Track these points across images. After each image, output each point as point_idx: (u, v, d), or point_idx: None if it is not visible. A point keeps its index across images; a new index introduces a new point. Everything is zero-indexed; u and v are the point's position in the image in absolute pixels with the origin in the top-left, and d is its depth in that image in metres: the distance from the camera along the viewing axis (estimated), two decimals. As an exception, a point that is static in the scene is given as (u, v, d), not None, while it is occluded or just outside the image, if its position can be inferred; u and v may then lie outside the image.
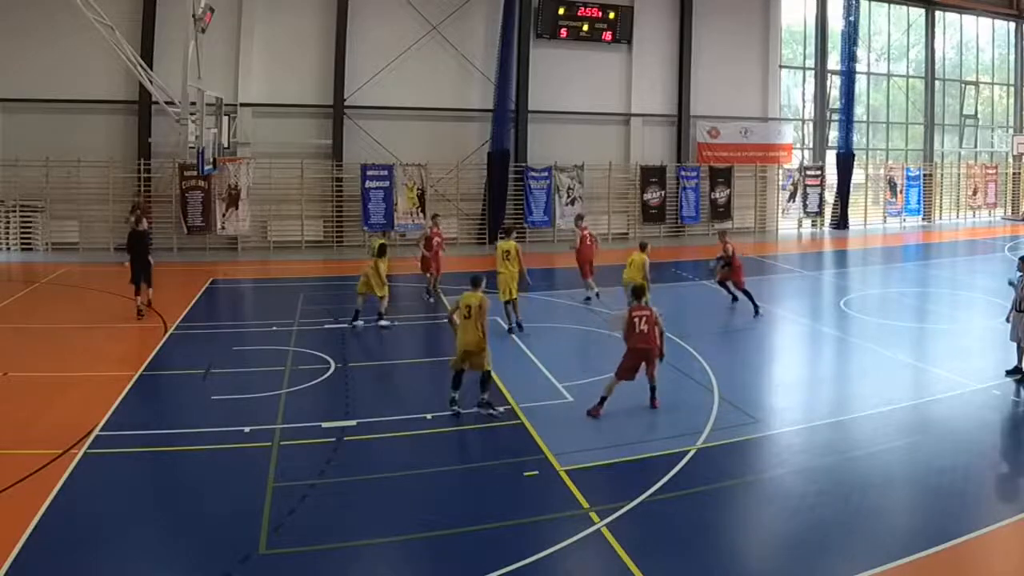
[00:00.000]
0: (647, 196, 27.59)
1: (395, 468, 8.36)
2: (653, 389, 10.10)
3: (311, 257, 23.01)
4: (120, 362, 12.03)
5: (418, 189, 24.68)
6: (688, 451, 8.71)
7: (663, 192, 27.72)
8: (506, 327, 13.90)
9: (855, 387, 11.54)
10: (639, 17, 27.25)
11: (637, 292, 10.27)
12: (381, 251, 14.27)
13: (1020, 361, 11.21)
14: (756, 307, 15.38)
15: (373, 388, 11.22)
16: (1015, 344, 11.24)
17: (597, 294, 16.41)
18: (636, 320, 9.92)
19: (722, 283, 16.10)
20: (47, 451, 8.41)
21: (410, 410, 9.96)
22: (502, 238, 15.09)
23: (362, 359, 12.44)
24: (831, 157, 31.03)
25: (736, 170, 28.77)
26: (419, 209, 24.47)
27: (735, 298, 15.96)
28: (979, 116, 35.01)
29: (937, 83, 33.85)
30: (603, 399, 9.89)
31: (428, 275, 16.82)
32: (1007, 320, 11.38)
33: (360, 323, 14.21)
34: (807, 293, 19.49)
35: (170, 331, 13.89)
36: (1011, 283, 11.37)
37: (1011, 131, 35.77)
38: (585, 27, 26.65)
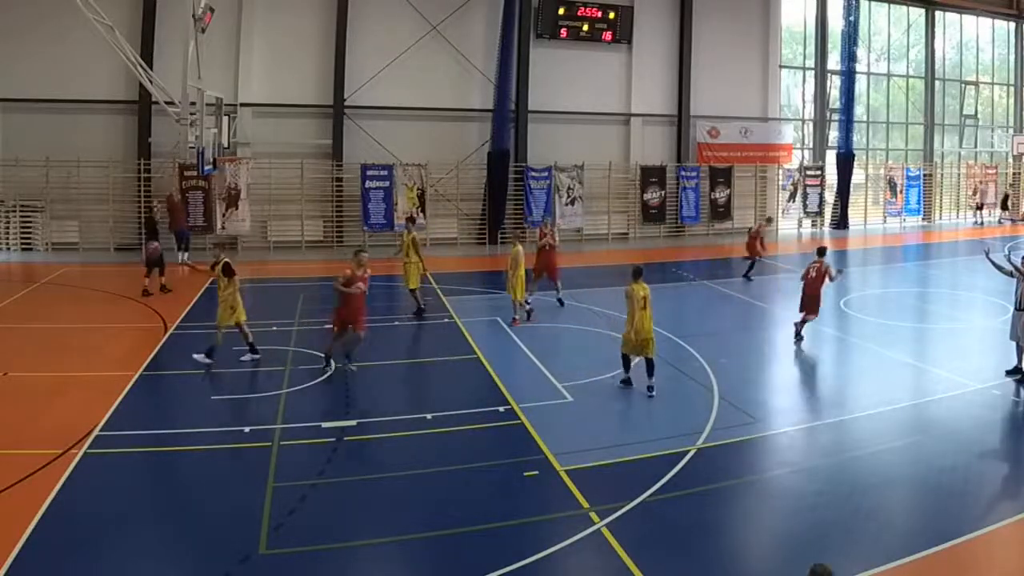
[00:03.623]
0: (647, 196, 27.58)
1: (395, 468, 8.36)
2: (804, 323, 13.46)
3: (311, 257, 22.98)
4: (120, 362, 12.02)
5: (418, 189, 24.68)
6: (688, 451, 8.71)
7: (663, 192, 27.71)
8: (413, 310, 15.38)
9: (855, 387, 11.54)
10: (639, 17, 27.24)
11: (820, 251, 13.68)
12: (226, 270, 11.84)
13: (1020, 361, 11.21)
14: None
15: (373, 388, 11.21)
16: (1015, 344, 11.25)
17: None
18: (811, 268, 13.45)
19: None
20: (47, 451, 8.41)
21: (410, 410, 9.97)
22: (408, 230, 15.95)
23: (362, 359, 12.43)
24: (831, 157, 31.03)
25: (736, 170, 28.75)
26: (419, 209, 24.46)
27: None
28: (979, 116, 34.99)
29: (937, 83, 33.85)
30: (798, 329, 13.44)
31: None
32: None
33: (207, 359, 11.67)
34: (807, 293, 19.44)
35: (170, 331, 13.89)
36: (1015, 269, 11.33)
37: (1011, 131, 35.77)
38: (585, 27, 26.64)
